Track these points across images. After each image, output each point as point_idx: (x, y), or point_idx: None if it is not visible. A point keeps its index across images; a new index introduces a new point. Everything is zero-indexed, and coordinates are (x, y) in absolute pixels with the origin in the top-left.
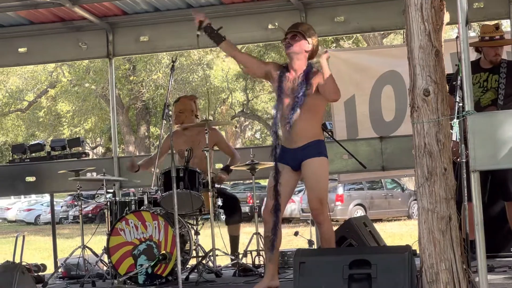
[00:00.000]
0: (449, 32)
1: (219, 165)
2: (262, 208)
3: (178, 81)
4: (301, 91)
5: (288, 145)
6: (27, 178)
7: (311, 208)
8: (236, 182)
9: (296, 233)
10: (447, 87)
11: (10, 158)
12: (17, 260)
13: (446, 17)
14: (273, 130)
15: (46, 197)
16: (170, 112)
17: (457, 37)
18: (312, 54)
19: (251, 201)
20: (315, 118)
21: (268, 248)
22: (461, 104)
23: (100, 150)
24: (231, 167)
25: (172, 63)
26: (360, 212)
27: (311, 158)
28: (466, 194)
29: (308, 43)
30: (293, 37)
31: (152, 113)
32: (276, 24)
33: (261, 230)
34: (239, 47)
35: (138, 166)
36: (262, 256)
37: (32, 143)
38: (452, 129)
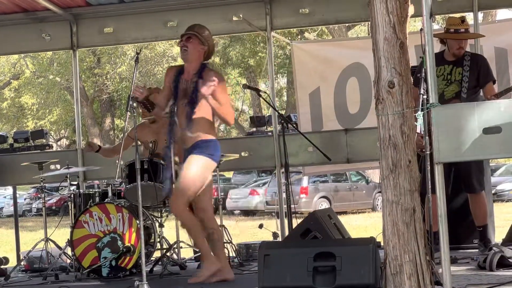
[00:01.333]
0: (413, 24)
1: None
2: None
3: (142, 73)
4: (194, 93)
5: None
6: None
7: None
8: None
9: (260, 226)
10: (412, 79)
11: None
12: None
13: (411, 9)
14: (169, 129)
15: (9, 190)
16: (135, 104)
17: (421, 29)
18: (208, 55)
19: (215, 193)
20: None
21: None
22: (425, 97)
23: (65, 142)
24: None
25: (136, 55)
26: (324, 205)
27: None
28: (430, 186)
29: (203, 44)
30: (187, 39)
31: (116, 105)
32: (241, 16)
33: (226, 222)
34: None
35: (99, 146)
36: (227, 248)
37: None
38: (416, 121)
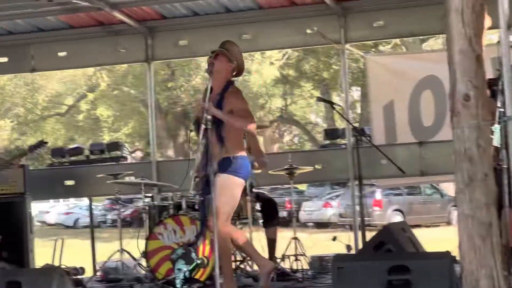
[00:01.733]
0: (489, 37)
1: (257, 171)
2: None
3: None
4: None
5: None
6: (66, 181)
7: None
8: (274, 186)
9: (334, 238)
10: (488, 92)
11: (50, 162)
12: (56, 263)
13: (487, 21)
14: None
15: (85, 201)
16: (209, 117)
17: (498, 42)
18: (238, 72)
19: (289, 205)
20: (230, 135)
21: None
22: (502, 110)
23: (139, 154)
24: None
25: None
26: (398, 218)
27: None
28: (507, 200)
29: (231, 62)
30: (216, 57)
31: (190, 118)
32: (315, 28)
33: (299, 235)
34: (276, 52)
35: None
36: (300, 260)
37: (71, 147)
38: (493, 134)
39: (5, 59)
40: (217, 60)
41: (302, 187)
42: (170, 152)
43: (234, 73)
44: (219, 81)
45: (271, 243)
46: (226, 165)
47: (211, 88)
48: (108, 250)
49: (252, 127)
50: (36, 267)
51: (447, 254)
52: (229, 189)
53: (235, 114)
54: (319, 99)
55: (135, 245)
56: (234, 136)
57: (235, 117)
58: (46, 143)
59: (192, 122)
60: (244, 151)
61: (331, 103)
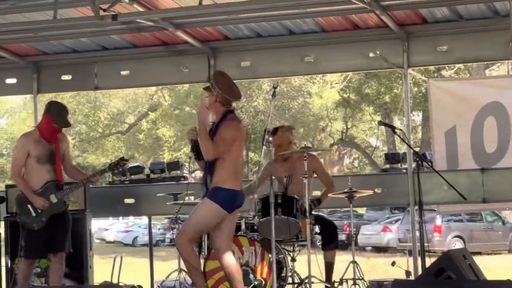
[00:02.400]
0: None
1: (317, 192)
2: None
3: (277, 107)
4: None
5: None
6: (126, 200)
7: None
8: (333, 209)
9: (393, 263)
10: None
11: (110, 180)
12: (115, 281)
13: None
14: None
15: (144, 219)
16: (270, 138)
17: None
18: (227, 100)
19: (347, 229)
20: (222, 166)
21: None
22: None
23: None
24: (323, 200)
25: (273, 89)
26: (458, 244)
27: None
28: None
29: (212, 93)
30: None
31: (251, 139)
32: (378, 52)
33: (357, 259)
34: (337, 75)
35: None
36: (358, 285)
37: (132, 165)
38: None
39: (69, 77)
40: (208, 95)
41: (361, 210)
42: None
43: (226, 101)
44: (217, 113)
45: (329, 266)
46: (213, 193)
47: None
48: (166, 269)
49: (207, 157)
50: (95, 283)
51: (508, 282)
52: (207, 214)
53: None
54: (381, 123)
55: None
56: (225, 168)
57: (213, 143)
58: (126, 160)
59: (191, 147)
60: (233, 183)
61: (392, 127)
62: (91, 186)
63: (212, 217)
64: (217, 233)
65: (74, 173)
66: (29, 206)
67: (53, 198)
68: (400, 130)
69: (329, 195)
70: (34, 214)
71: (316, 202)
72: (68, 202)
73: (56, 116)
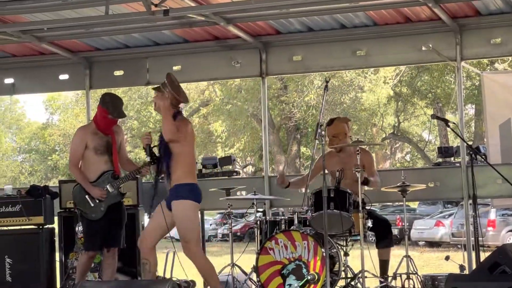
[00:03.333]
0: None
1: (369, 188)
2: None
3: (329, 102)
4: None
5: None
6: None
7: None
8: (385, 204)
9: (447, 258)
10: None
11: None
12: (168, 276)
13: None
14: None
15: None
16: (323, 132)
17: None
18: (177, 99)
19: (400, 223)
20: (179, 164)
21: None
22: None
23: (250, 169)
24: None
25: (325, 83)
26: None
27: (173, 200)
28: None
29: (163, 93)
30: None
31: (303, 133)
32: (430, 45)
33: (411, 254)
34: (390, 71)
35: (289, 182)
36: (412, 279)
37: None
38: None
39: (121, 72)
40: (156, 98)
41: (414, 205)
42: (281, 167)
43: (176, 102)
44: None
45: (383, 264)
46: (180, 191)
47: None
48: (218, 264)
49: (169, 135)
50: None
51: None
52: (186, 214)
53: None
54: (434, 117)
55: (245, 259)
56: (181, 165)
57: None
58: None
59: (146, 153)
60: (193, 178)
61: (446, 121)
62: (143, 180)
63: (195, 214)
64: (158, 232)
65: (129, 166)
66: (87, 196)
67: (110, 188)
68: (454, 123)
69: (382, 189)
70: (92, 205)
71: (365, 180)
72: (124, 192)
73: (111, 107)
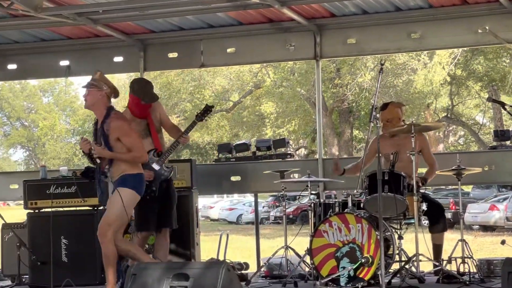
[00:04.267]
0: None
1: (423, 169)
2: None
3: (382, 85)
4: (103, 141)
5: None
6: (232, 177)
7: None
8: (438, 187)
9: (503, 242)
10: None
11: (216, 157)
12: (221, 258)
13: None
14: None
15: (248, 197)
16: (378, 115)
17: None
18: (114, 94)
19: (453, 207)
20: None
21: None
22: None
23: (303, 152)
24: (428, 179)
25: (380, 66)
26: None
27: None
28: None
29: (101, 89)
30: (87, 91)
31: (356, 116)
32: (487, 28)
33: (465, 237)
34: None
35: (343, 169)
36: (467, 263)
37: (237, 142)
38: None
39: (175, 55)
40: (88, 95)
41: (467, 188)
42: (334, 150)
43: (112, 96)
44: (100, 111)
45: (437, 248)
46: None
47: (97, 121)
48: (271, 246)
49: (139, 159)
50: (202, 260)
51: None
52: (122, 201)
53: (124, 149)
54: (490, 100)
55: (298, 242)
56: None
57: (123, 155)
58: (212, 107)
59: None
60: (139, 168)
61: (502, 104)
62: (197, 163)
63: (131, 204)
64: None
65: (174, 133)
66: None
67: (156, 166)
68: (511, 106)
69: (434, 173)
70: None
71: (423, 181)
72: (170, 167)
73: (141, 93)
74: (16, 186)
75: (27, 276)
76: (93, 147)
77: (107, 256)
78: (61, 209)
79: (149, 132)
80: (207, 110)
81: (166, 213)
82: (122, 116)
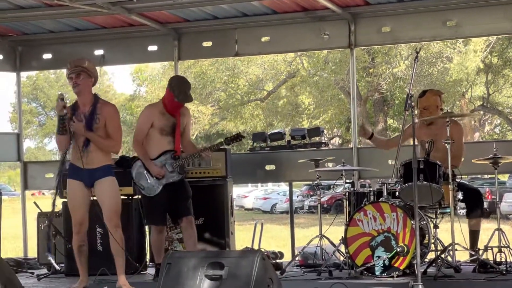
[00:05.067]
0: None
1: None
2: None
3: (416, 73)
4: (90, 126)
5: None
6: (266, 166)
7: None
8: (474, 177)
9: None
10: None
11: (250, 146)
12: (256, 247)
13: None
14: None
15: (282, 186)
16: (413, 103)
17: None
18: (94, 83)
19: (489, 196)
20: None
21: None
22: None
23: (337, 141)
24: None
25: (416, 54)
26: None
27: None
28: None
29: (91, 77)
30: (78, 76)
31: (390, 105)
32: None
33: (503, 227)
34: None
35: (372, 132)
36: (504, 252)
37: (272, 131)
38: None
39: (209, 44)
40: (81, 80)
41: (503, 178)
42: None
43: (92, 85)
44: (88, 97)
45: (474, 235)
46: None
47: (76, 106)
48: (305, 236)
49: (113, 148)
50: (236, 250)
51: None
52: (117, 191)
53: (110, 136)
54: None
55: (333, 231)
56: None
57: (101, 138)
58: (243, 137)
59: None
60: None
61: None
62: (231, 151)
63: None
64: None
65: (190, 149)
66: (145, 172)
67: (169, 167)
68: None
69: (472, 161)
70: (149, 181)
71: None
72: (184, 173)
73: (177, 91)
74: (51, 175)
75: (63, 265)
76: (74, 120)
77: (122, 242)
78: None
79: (173, 132)
80: (238, 138)
81: (181, 204)
82: (110, 102)
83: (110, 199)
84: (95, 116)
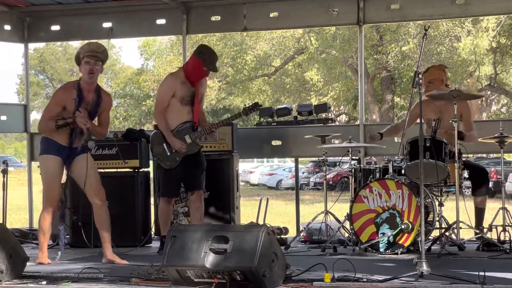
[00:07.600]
0: None
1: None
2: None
3: (425, 52)
4: (94, 112)
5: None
6: (273, 141)
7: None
8: (480, 156)
9: None
10: None
11: (257, 121)
12: (261, 222)
13: None
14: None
15: (288, 162)
16: (421, 81)
17: None
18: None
19: (495, 176)
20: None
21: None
22: None
23: (344, 118)
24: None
25: (424, 31)
26: None
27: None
28: None
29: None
30: (96, 63)
31: (397, 83)
32: None
33: (507, 206)
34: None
35: (380, 134)
36: (508, 231)
37: (279, 107)
38: None
39: (218, 18)
40: (97, 68)
41: (509, 158)
42: (375, 116)
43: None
44: (93, 85)
45: (479, 212)
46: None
47: (80, 90)
48: (310, 212)
49: (99, 134)
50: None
51: None
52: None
53: (102, 124)
54: None
55: (338, 208)
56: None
57: (96, 127)
58: (260, 105)
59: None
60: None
61: None
62: (238, 126)
63: None
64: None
65: (202, 119)
66: (164, 145)
67: (188, 139)
68: None
69: (472, 138)
70: (168, 153)
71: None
72: (201, 144)
73: (207, 60)
74: None
75: (68, 237)
76: (80, 111)
77: (108, 216)
78: (102, 170)
79: (192, 102)
80: (255, 107)
81: (195, 177)
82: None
83: (95, 172)
84: (99, 108)
